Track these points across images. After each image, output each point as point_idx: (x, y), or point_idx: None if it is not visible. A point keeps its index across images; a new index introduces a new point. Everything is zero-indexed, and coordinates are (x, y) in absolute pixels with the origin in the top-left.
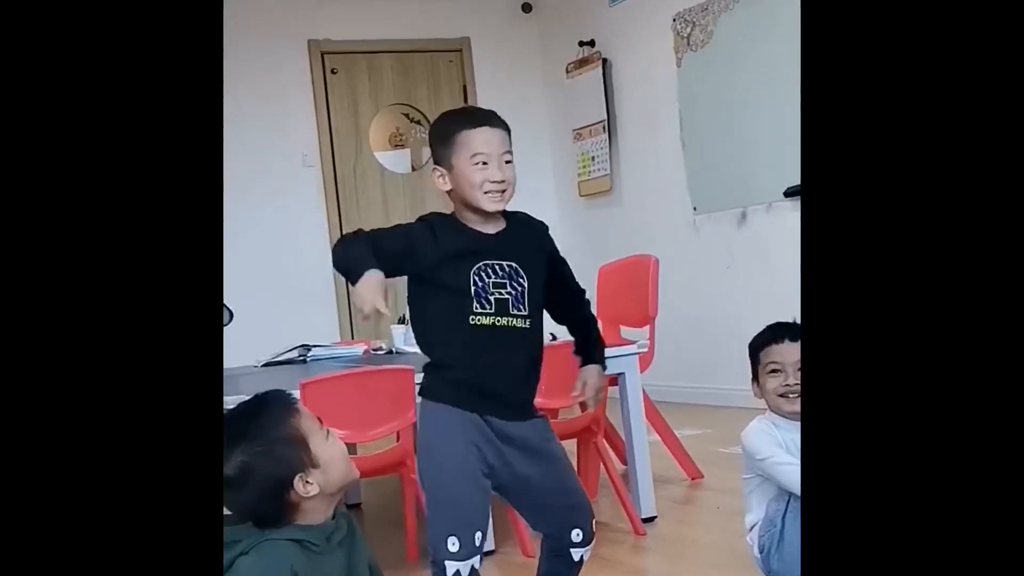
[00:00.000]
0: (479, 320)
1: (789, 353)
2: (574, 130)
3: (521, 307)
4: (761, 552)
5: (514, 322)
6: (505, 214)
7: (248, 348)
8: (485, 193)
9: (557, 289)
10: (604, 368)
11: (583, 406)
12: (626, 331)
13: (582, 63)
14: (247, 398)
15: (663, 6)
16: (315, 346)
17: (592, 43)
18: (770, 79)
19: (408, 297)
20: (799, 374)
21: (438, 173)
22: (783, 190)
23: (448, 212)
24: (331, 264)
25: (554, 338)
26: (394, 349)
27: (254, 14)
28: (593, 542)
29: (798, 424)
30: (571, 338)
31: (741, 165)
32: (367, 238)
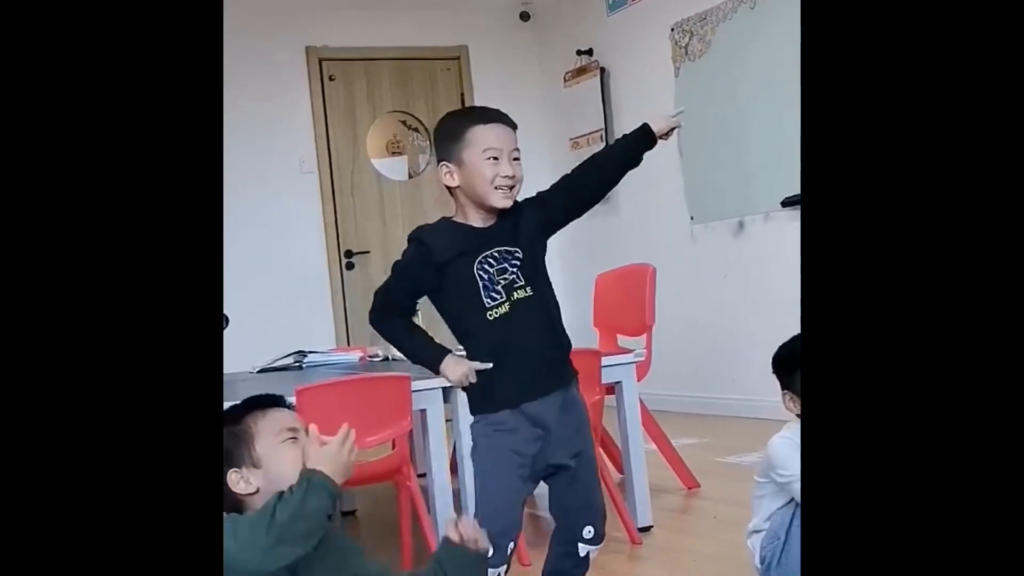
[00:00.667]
0: (495, 313)
1: None
2: (571, 139)
3: (521, 279)
4: (762, 564)
5: (521, 294)
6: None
7: (244, 354)
8: (496, 188)
9: (563, 190)
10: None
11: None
12: (623, 340)
13: (580, 72)
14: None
15: (661, 15)
16: (311, 352)
17: (590, 52)
18: (768, 88)
19: (434, 305)
20: None
21: (446, 169)
22: (780, 200)
23: (442, 216)
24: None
25: None
26: (391, 357)
27: (253, 19)
28: (602, 544)
29: None
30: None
31: (738, 175)
32: (399, 318)
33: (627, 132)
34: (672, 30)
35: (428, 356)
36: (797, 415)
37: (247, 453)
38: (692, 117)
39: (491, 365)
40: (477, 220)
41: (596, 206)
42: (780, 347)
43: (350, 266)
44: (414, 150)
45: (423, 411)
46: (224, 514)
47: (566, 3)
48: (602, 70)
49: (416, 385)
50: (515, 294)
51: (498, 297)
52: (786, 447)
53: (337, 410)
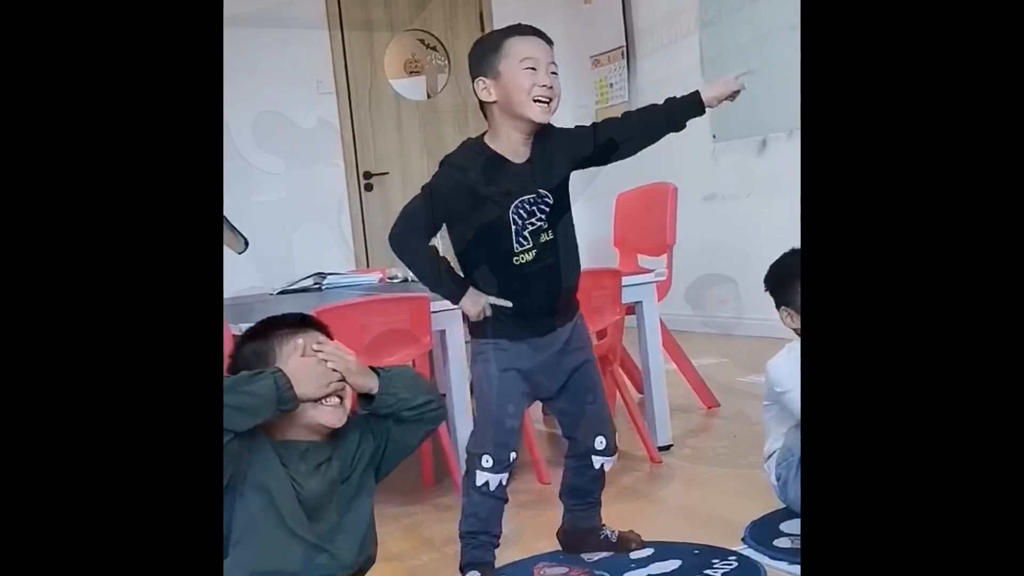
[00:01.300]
0: (522, 258)
1: None
2: (592, 57)
3: (547, 223)
4: (778, 480)
5: (545, 238)
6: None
7: (264, 276)
8: (535, 100)
9: (605, 138)
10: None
11: (600, 335)
12: (643, 260)
13: None
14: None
15: None
16: (331, 274)
17: None
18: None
19: (450, 233)
20: None
21: (482, 84)
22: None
23: (472, 136)
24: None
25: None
26: (409, 278)
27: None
28: (615, 456)
29: None
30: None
31: (762, 92)
32: (423, 243)
33: (678, 96)
34: None
35: (449, 287)
36: (795, 330)
37: (265, 363)
38: (714, 33)
39: (511, 304)
40: (513, 145)
41: None
42: (772, 265)
43: (368, 187)
44: (432, 69)
45: (443, 331)
46: None
47: None
48: None
49: (435, 306)
50: (541, 238)
51: (526, 243)
52: (781, 364)
53: (356, 330)
